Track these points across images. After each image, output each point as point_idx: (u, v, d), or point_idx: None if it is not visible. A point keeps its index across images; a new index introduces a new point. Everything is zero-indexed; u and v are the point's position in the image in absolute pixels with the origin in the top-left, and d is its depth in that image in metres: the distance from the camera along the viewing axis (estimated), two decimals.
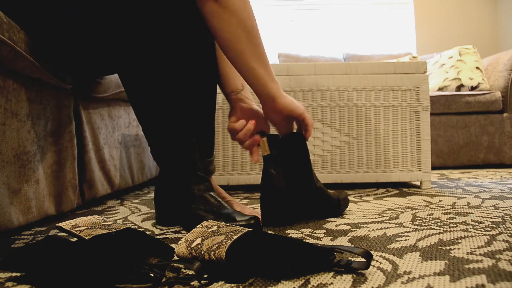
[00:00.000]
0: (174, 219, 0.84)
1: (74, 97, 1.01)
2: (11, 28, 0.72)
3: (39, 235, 0.78)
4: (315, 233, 0.74)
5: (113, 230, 0.59)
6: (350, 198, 1.14)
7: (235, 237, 0.53)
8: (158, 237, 0.75)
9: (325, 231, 0.75)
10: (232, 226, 0.59)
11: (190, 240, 0.55)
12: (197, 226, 0.60)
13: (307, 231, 0.76)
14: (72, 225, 0.61)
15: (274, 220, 0.80)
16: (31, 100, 0.82)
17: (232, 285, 0.49)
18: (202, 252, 0.52)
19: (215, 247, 0.52)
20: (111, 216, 0.97)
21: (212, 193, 0.80)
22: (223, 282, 0.50)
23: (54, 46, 0.83)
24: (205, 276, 0.50)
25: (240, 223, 0.70)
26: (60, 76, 0.89)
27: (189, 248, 0.53)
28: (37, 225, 0.87)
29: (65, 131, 0.95)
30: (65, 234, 0.70)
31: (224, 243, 0.52)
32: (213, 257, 0.51)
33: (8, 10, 0.76)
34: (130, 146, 1.35)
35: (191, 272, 0.53)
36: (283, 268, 0.50)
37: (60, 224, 0.62)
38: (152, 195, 1.31)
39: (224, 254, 0.50)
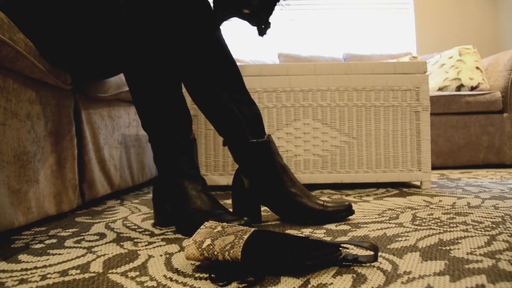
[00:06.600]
0: (171, 219, 0.84)
1: (74, 97, 1.01)
2: (11, 29, 0.72)
3: (39, 235, 0.78)
4: (315, 233, 0.74)
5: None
6: (350, 198, 1.14)
7: (245, 237, 0.53)
8: (158, 237, 0.75)
9: (325, 231, 0.75)
10: (236, 226, 0.59)
11: (199, 241, 0.55)
12: (201, 227, 0.59)
13: (307, 231, 0.76)
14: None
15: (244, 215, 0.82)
16: (31, 100, 0.82)
17: (238, 284, 0.49)
18: (215, 253, 0.52)
19: (228, 247, 0.52)
20: (111, 216, 0.97)
21: (206, 193, 0.79)
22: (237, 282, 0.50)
23: (53, 48, 0.83)
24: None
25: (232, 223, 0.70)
26: (60, 77, 0.89)
27: (200, 249, 0.53)
28: (37, 225, 0.87)
29: (65, 131, 0.95)
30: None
31: (236, 242, 0.52)
32: (228, 257, 0.51)
33: (7, 11, 0.75)
34: (130, 146, 1.35)
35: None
36: (303, 265, 0.51)
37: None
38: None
39: (240, 253, 0.50)
